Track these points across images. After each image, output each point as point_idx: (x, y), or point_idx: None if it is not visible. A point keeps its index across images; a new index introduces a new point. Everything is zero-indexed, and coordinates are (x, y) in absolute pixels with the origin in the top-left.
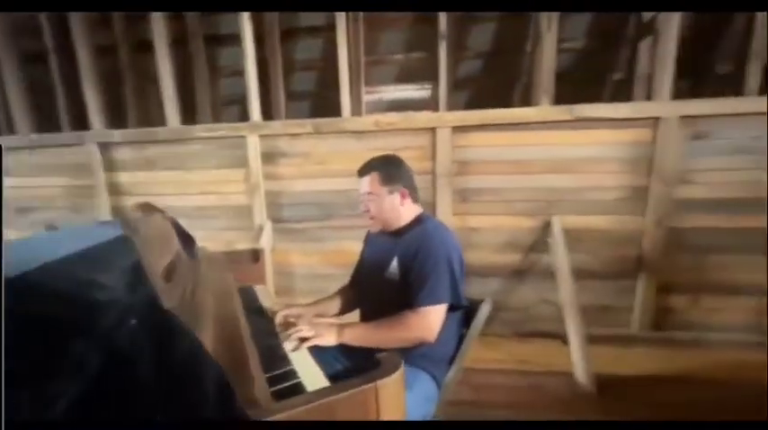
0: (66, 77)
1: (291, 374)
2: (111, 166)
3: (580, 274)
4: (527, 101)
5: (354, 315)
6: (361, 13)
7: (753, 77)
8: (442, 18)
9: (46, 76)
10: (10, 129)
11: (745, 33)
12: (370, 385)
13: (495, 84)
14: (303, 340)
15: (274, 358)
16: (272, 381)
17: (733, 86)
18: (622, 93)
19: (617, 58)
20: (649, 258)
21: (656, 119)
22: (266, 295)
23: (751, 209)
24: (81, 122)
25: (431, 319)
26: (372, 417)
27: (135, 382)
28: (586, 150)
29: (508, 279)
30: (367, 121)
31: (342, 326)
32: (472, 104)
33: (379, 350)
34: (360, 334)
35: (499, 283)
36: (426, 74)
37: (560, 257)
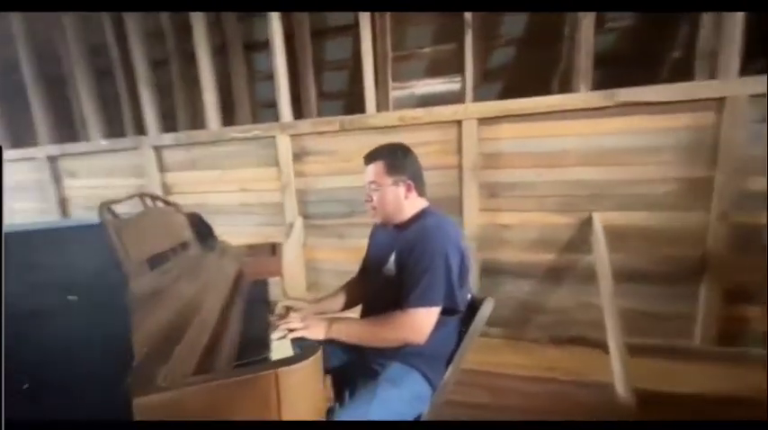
0: (129, 88)
1: (263, 362)
2: (163, 167)
3: (630, 277)
4: (566, 88)
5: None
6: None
7: None
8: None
9: (113, 88)
10: (85, 136)
11: None
12: (269, 372)
13: (530, 72)
14: (291, 331)
15: (255, 346)
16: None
17: None
18: (680, 74)
19: (673, 35)
20: (714, 260)
21: (721, 99)
22: (277, 288)
23: None
24: (141, 129)
25: (420, 321)
26: (273, 405)
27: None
28: (632, 139)
29: (543, 279)
30: (392, 117)
31: (331, 322)
32: (506, 94)
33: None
34: (348, 330)
35: (532, 284)
36: (456, 66)
37: (601, 257)
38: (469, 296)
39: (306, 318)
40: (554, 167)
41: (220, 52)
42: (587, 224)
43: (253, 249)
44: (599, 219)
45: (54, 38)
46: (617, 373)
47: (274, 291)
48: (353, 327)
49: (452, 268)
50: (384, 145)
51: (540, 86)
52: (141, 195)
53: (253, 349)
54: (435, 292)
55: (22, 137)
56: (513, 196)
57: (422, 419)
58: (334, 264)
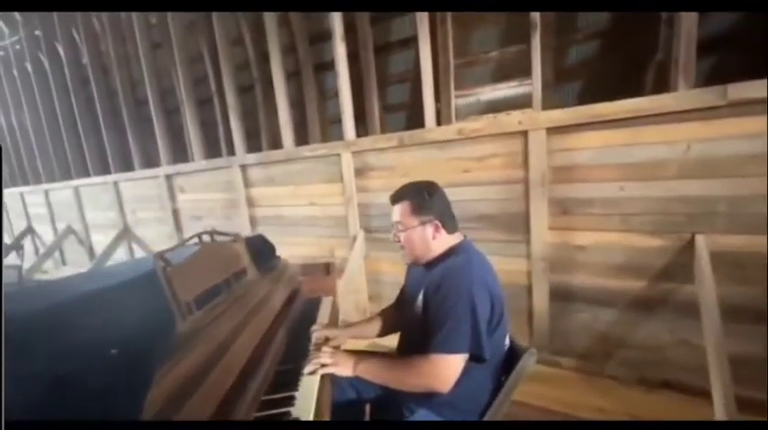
0: (222, 114)
1: (287, 401)
2: (248, 183)
3: (746, 315)
4: (660, 86)
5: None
6: (449, 14)
7: None
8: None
9: (212, 114)
10: (191, 157)
11: None
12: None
13: (613, 69)
14: (322, 366)
15: (286, 381)
16: (267, 404)
17: None
18: None
19: None
20: None
21: None
22: (327, 308)
23: None
24: (233, 149)
25: (443, 369)
26: None
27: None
28: (749, 145)
29: (628, 309)
30: (449, 130)
31: (358, 360)
32: (583, 96)
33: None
34: (373, 370)
35: (614, 314)
36: (526, 68)
37: (706, 289)
38: (507, 342)
39: (335, 354)
40: (644, 181)
41: (295, 75)
42: (688, 248)
43: (308, 268)
44: (704, 243)
45: (170, 73)
46: None
47: (325, 310)
48: (379, 369)
49: (478, 313)
50: (409, 184)
51: (625, 86)
52: (200, 235)
53: (280, 384)
54: (459, 339)
55: (154, 160)
56: (590, 214)
57: None
58: (395, 276)
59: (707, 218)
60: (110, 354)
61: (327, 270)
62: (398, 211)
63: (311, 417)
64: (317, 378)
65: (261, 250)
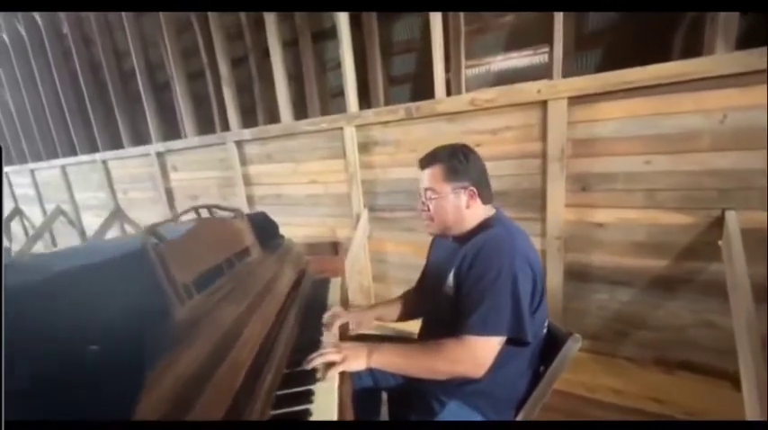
0: (215, 88)
1: (306, 396)
2: (244, 161)
3: None
4: (692, 51)
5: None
6: None
7: None
8: None
9: (204, 88)
10: (184, 134)
11: None
12: None
13: (642, 31)
14: (330, 365)
15: (301, 373)
16: (283, 400)
17: None
18: None
19: None
20: None
21: None
22: (337, 289)
23: None
24: (227, 125)
25: (478, 352)
26: None
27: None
28: None
29: (649, 289)
30: (461, 101)
31: (372, 350)
32: (608, 64)
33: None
34: (392, 360)
35: (634, 293)
36: (543, 35)
37: (736, 267)
38: (546, 324)
39: (342, 348)
40: (673, 154)
41: (292, 44)
42: (716, 225)
43: (314, 248)
44: (736, 220)
45: (157, 44)
46: (751, 416)
47: (335, 291)
48: (398, 358)
49: (520, 291)
50: (442, 146)
51: (656, 49)
52: (196, 209)
53: (296, 377)
54: (499, 319)
55: (144, 136)
56: (613, 190)
57: None
58: (400, 256)
59: (741, 193)
60: (89, 351)
61: (335, 250)
62: (429, 176)
63: (335, 416)
64: (335, 373)
65: (264, 228)
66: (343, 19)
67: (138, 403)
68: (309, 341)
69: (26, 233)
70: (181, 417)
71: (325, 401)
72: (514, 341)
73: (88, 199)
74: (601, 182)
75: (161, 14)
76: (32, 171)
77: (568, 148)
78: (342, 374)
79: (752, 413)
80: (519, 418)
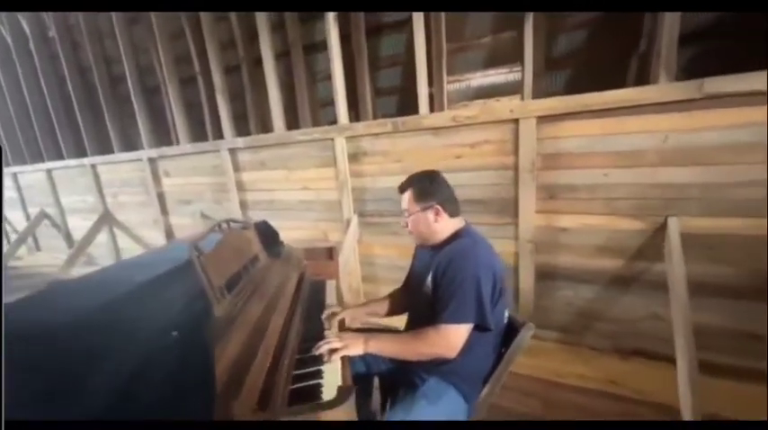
0: (208, 96)
1: (317, 374)
2: (237, 167)
3: (711, 290)
4: (644, 76)
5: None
6: None
7: None
8: None
9: (197, 95)
10: (177, 141)
11: None
12: (313, 415)
13: (602, 57)
14: (333, 351)
15: (310, 357)
16: (298, 378)
17: None
18: None
19: None
20: None
21: None
22: (333, 290)
23: None
24: (220, 131)
25: (451, 337)
26: None
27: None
28: (722, 136)
29: (606, 287)
30: (444, 117)
31: (368, 338)
32: (573, 83)
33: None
34: (384, 345)
35: (594, 291)
36: (517, 55)
37: (675, 266)
38: (507, 314)
39: (344, 336)
40: (626, 168)
41: (284, 56)
42: (661, 230)
43: (311, 253)
44: (676, 225)
45: (149, 50)
46: (683, 398)
47: (331, 292)
48: (389, 343)
49: (482, 290)
50: (413, 174)
51: (613, 74)
52: (220, 224)
53: (306, 360)
54: (466, 310)
55: (133, 142)
56: (575, 198)
57: None
58: (388, 259)
59: (680, 202)
60: (171, 337)
61: (330, 254)
62: (405, 199)
63: (339, 382)
64: (338, 355)
65: (267, 236)
66: (333, 34)
67: (213, 379)
68: (314, 333)
69: (6, 236)
70: (233, 392)
71: (332, 378)
72: (479, 328)
73: (75, 202)
74: (566, 191)
75: (153, 22)
76: (15, 174)
77: (538, 161)
78: (342, 358)
79: (684, 388)
80: (486, 389)
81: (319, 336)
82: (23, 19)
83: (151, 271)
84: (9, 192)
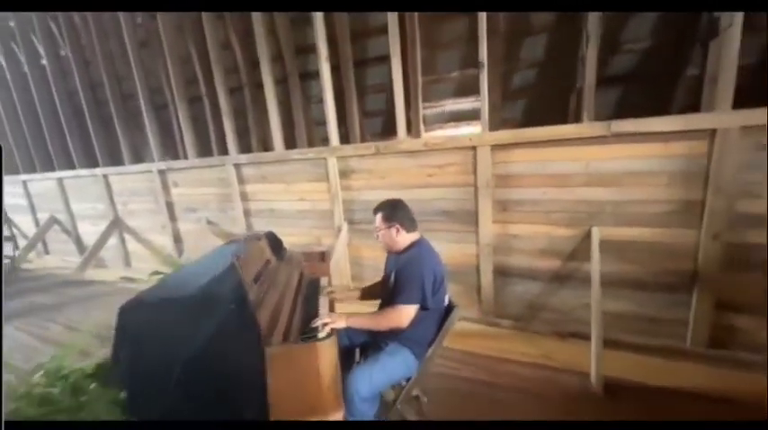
0: (213, 113)
1: (316, 330)
2: (241, 180)
3: (627, 284)
4: (579, 109)
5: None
6: (418, 37)
7: None
8: (482, 47)
9: (202, 112)
10: (184, 155)
11: None
12: (311, 343)
13: (549, 93)
14: (325, 324)
15: (310, 321)
16: (304, 332)
17: None
18: (694, 93)
19: (687, 58)
20: (705, 273)
21: (713, 130)
22: (326, 284)
23: None
24: (224, 146)
25: (402, 314)
26: (313, 363)
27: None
28: (629, 164)
29: (549, 282)
30: (418, 143)
31: (348, 316)
32: (526, 113)
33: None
34: (358, 320)
35: (539, 286)
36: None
37: (593, 265)
38: (447, 300)
39: (332, 315)
40: (559, 187)
41: (282, 82)
42: (588, 237)
43: (307, 255)
44: (598, 234)
45: (158, 69)
46: (592, 364)
47: (325, 286)
48: (362, 319)
49: (425, 280)
50: (382, 201)
51: (556, 107)
52: (248, 237)
53: (308, 323)
54: (413, 295)
55: (141, 153)
56: (522, 211)
57: (410, 381)
58: (373, 260)
59: (599, 215)
60: (230, 310)
61: (323, 257)
62: (377, 219)
63: (335, 350)
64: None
65: (274, 243)
66: (325, 66)
67: (258, 329)
68: (312, 313)
69: (14, 240)
70: (268, 339)
71: (327, 342)
72: (423, 308)
73: (85, 209)
74: (515, 205)
75: (165, 46)
76: (25, 182)
77: (493, 181)
78: (332, 329)
79: (592, 360)
80: (430, 350)
81: (315, 315)
82: (35, 37)
83: (213, 267)
84: (19, 200)
